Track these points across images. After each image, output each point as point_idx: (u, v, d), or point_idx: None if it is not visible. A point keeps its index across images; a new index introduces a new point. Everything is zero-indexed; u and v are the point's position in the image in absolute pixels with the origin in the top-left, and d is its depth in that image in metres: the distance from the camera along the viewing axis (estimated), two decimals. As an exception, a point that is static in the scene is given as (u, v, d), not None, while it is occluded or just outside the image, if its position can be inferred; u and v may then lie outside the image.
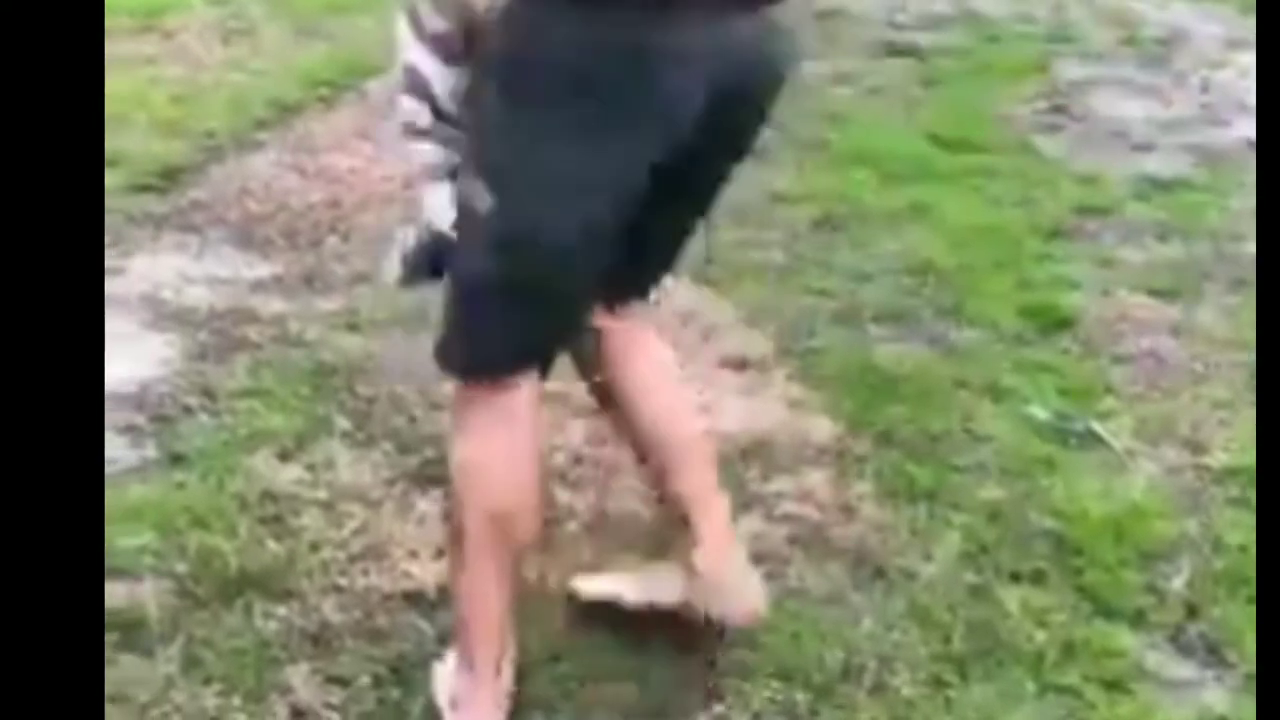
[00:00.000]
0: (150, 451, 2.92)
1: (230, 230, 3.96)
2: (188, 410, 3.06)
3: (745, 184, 4.30)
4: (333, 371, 3.21)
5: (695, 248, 2.32)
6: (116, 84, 5.00)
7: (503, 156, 1.96)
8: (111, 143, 4.42)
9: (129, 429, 3.00)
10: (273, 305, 3.54)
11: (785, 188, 4.36)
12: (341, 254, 3.81)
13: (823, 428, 3.04)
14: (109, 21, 5.66)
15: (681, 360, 3.23)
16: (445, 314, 2.10)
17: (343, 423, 3.02)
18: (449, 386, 3.07)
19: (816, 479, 2.87)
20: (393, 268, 2.15)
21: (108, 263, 3.74)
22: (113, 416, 3.03)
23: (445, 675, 2.24)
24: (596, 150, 1.92)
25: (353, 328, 3.41)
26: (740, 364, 3.29)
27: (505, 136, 1.96)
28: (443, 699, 2.21)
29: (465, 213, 2.01)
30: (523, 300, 2.01)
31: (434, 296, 3.47)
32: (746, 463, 2.90)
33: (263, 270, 3.74)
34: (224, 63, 5.38)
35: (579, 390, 2.52)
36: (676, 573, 2.32)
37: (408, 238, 2.12)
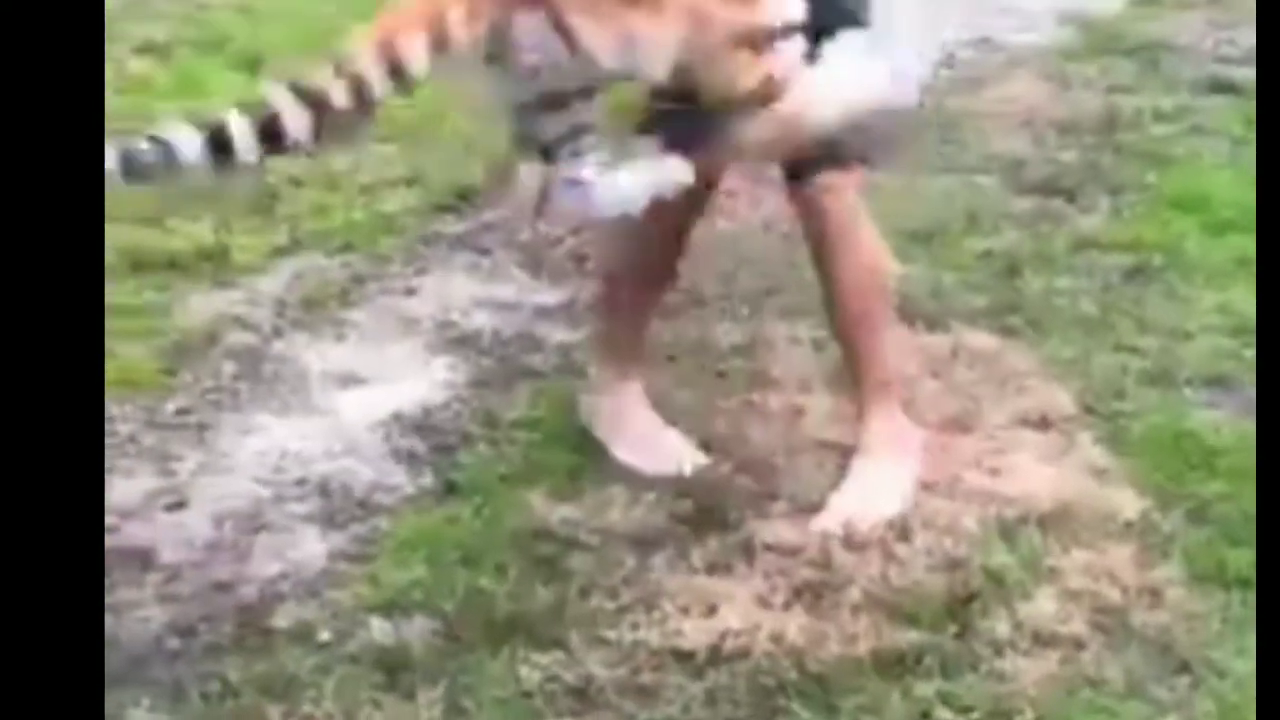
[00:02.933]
0: (427, 480, 2.90)
1: (521, 254, 3.94)
2: (467, 439, 3.04)
3: (1053, 227, 4.17)
4: (613, 406, 3.13)
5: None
6: (417, 103, 5.06)
7: None
8: (411, 162, 4.47)
9: (410, 456, 2.98)
10: (557, 334, 3.50)
11: (1097, 232, 4.11)
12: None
13: (1129, 499, 2.82)
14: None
15: (977, 413, 3.11)
16: None
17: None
18: (725, 427, 3.00)
19: (1120, 556, 2.66)
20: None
21: (401, 282, 3.77)
22: (395, 442, 3.03)
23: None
24: None
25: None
26: (1042, 423, 3.09)
27: None
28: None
29: None
30: None
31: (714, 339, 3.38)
32: (1044, 532, 2.71)
33: (549, 297, 3.70)
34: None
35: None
36: None
37: None
